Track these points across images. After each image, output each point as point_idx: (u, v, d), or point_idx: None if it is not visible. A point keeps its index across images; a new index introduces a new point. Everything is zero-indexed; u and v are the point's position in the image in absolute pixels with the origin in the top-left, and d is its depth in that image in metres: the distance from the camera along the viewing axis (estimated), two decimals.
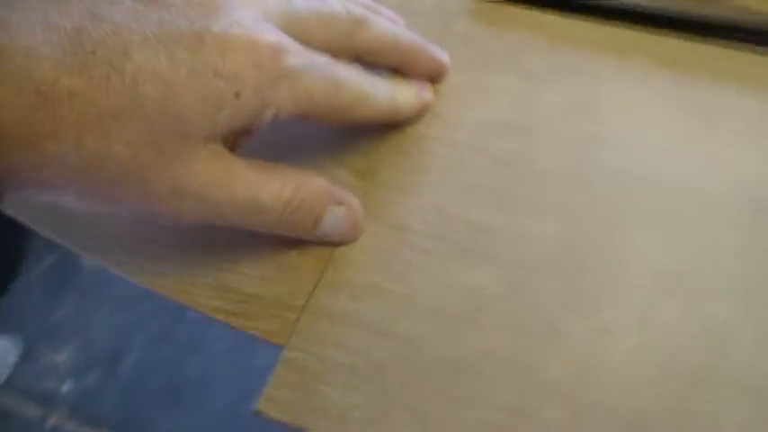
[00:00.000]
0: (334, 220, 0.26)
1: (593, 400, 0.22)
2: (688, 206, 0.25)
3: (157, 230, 0.27)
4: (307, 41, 0.24)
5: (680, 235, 0.24)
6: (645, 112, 0.28)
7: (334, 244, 0.26)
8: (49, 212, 0.28)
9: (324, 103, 0.24)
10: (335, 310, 0.25)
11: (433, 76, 0.29)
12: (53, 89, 0.20)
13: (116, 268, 0.27)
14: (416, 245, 0.26)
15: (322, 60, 0.24)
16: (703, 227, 0.24)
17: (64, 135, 0.20)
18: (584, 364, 0.22)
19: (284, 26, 0.24)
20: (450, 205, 0.26)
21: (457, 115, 0.29)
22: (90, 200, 0.22)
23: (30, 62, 0.19)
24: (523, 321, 0.23)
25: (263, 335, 0.25)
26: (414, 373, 0.23)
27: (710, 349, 0.22)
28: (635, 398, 0.22)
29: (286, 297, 0.26)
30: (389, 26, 0.27)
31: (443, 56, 0.29)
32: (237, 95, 0.22)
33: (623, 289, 0.24)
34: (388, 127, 0.29)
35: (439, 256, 0.25)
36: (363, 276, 0.25)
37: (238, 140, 0.25)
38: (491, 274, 0.25)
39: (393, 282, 0.25)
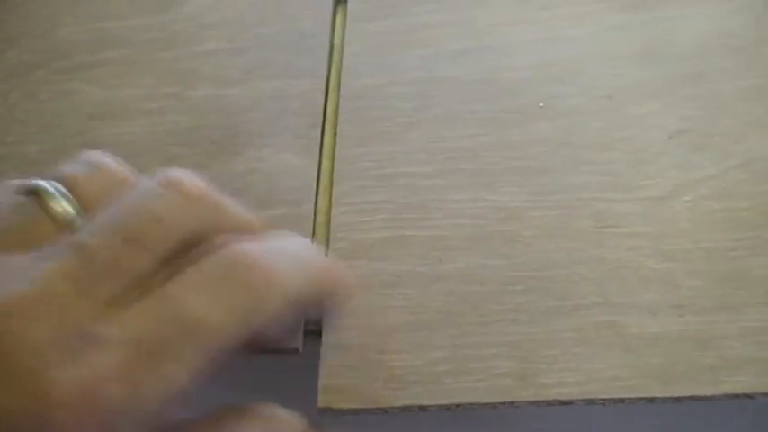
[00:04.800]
0: None
1: None
2: None
3: None
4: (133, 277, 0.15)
5: None
6: None
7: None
8: None
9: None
10: (360, 277, 0.22)
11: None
12: None
13: None
14: (408, 186, 0.24)
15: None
16: None
17: None
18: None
19: (79, 291, 0.15)
20: (426, 139, 0.25)
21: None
22: None
23: None
24: (557, 225, 0.23)
25: None
26: (485, 304, 0.21)
27: None
28: None
29: None
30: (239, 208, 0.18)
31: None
32: None
33: None
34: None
35: (437, 189, 0.24)
36: (370, 234, 0.23)
37: None
38: (509, 189, 0.24)
39: (404, 228, 0.23)
